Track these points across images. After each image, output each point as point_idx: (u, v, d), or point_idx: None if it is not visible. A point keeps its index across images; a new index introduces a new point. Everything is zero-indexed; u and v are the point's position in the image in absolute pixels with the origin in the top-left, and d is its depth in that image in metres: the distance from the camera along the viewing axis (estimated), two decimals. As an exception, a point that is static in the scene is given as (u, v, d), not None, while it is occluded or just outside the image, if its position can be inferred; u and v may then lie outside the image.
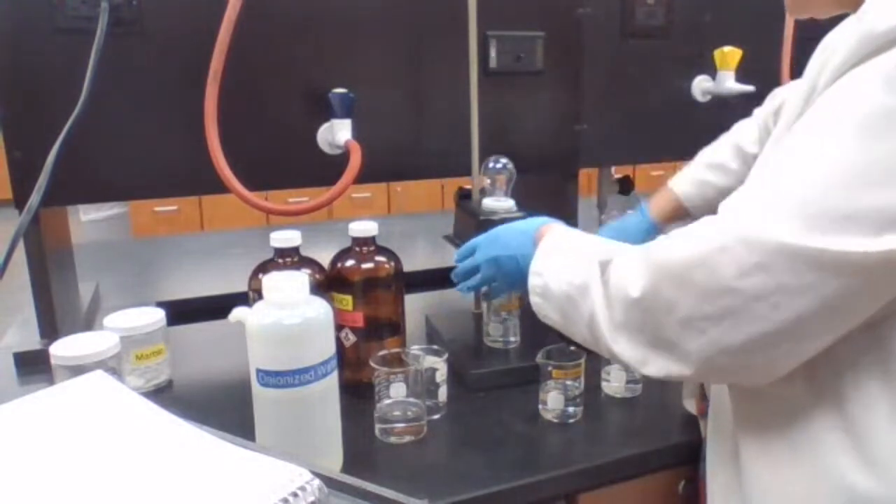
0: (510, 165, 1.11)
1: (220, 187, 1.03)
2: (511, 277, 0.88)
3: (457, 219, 1.19)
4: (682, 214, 1.11)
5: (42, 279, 1.08)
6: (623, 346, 0.67)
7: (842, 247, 0.53)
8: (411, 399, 0.96)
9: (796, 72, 1.33)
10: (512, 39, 1.23)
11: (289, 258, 1.02)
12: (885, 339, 0.59)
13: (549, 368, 0.99)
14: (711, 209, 0.64)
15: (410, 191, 3.87)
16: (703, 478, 0.82)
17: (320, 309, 0.80)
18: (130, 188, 1.13)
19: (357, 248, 1.04)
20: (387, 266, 1.04)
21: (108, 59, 0.98)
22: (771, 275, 0.56)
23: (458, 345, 1.17)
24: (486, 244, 0.93)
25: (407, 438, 0.95)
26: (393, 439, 0.95)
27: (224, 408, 0.97)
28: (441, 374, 1.00)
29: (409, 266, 1.10)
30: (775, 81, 1.35)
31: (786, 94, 1.00)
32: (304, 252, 1.04)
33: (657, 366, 0.65)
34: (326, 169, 1.11)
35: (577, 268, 0.73)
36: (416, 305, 1.29)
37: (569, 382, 0.99)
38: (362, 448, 0.93)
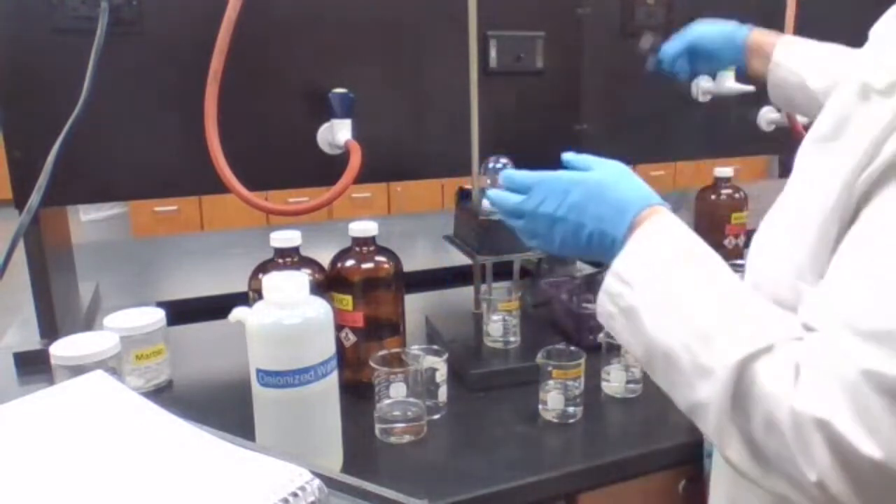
0: (510, 165, 1.11)
1: (220, 187, 1.03)
2: (570, 250, 0.73)
3: (457, 219, 1.19)
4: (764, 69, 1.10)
5: (42, 279, 1.08)
6: (737, 456, 0.57)
7: None
8: (411, 399, 0.96)
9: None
10: (512, 39, 1.23)
11: (289, 258, 1.02)
12: None
13: (549, 368, 0.99)
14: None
15: (410, 191, 3.87)
16: (707, 475, 0.82)
17: (320, 309, 0.80)
18: (130, 188, 1.13)
19: (357, 248, 1.04)
20: (387, 266, 1.04)
21: (108, 59, 0.98)
22: None
23: (458, 345, 1.17)
24: (556, 194, 0.72)
25: (407, 438, 0.95)
26: (393, 439, 0.95)
27: (224, 408, 0.96)
28: (441, 374, 1.00)
29: (409, 266, 1.10)
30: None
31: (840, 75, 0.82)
32: (304, 252, 1.04)
33: (771, 483, 0.55)
34: (326, 169, 1.11)
35: (694, 326, 0.59)
36: (416, 305, 1.29)
37: (569, 382, 0.99)
38: (362, 448, 0.93)
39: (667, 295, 0.62)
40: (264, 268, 1.03)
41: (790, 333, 0.55)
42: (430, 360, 0.99)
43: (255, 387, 0.80)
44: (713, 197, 1.54)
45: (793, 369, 0.53)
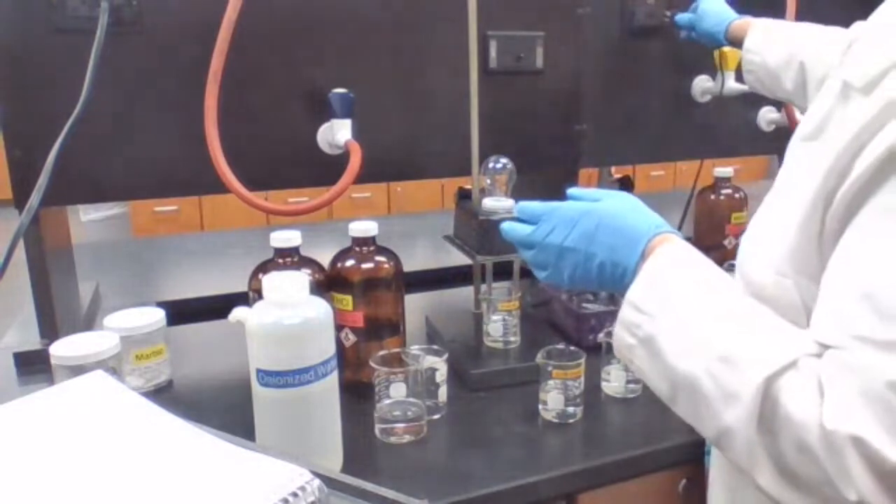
0: (510, 165, 1.11)
1: (220, 187, 1.03)
2: (580, 281, 0.71)
3: (457, 219, 1.19)
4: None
5: (42, 279, 1.08)
6: (769, 481, 0.55)
7: None
8: (411, 399, 0.96)
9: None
10: (512, 39, 1.23)
11: (289, 258, 1.02)
12: None
13: (549, 368, 0.99)
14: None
15: (410, 191, 3.86)
16: (708, 472, 0.81)
17: (320, 309, 0.80)
18: (130, 188, 1.13)
19: (357, 248, 1.04)
20: (387, 266, 1.04)
21: (108, 59, 0.98)
22: None
23: (458, 345, 1.17)
24: (565, 224, 0.70)
25: (407, 438, 0.95)
26: (393, 439, 0.95)
27: (224, 408, 0.97)
28: (441, 374, 1.00)
29: (409, 266, 1.10)
30: (775, 81, 1.34)
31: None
32: (304, 252, 1.04)
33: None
34: (326, 169, 1.11)
35: (715, 350, 0.57)
36: (416, 305, 1.29)
37: (569, 382, 0.99)
38: (362, 448, 0.93)
39: (685, 322, 0.60)
40: (264, 268, 1.03)
41: (807, 349, 0.54)
42: (430, 360, 0.99)
43: (255, 387, 0.80)
44: (713, 197, 1.54)
45: (816, 387, 0.52)
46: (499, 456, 0.92)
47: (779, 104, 1.42)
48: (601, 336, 1.09)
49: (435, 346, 1.03)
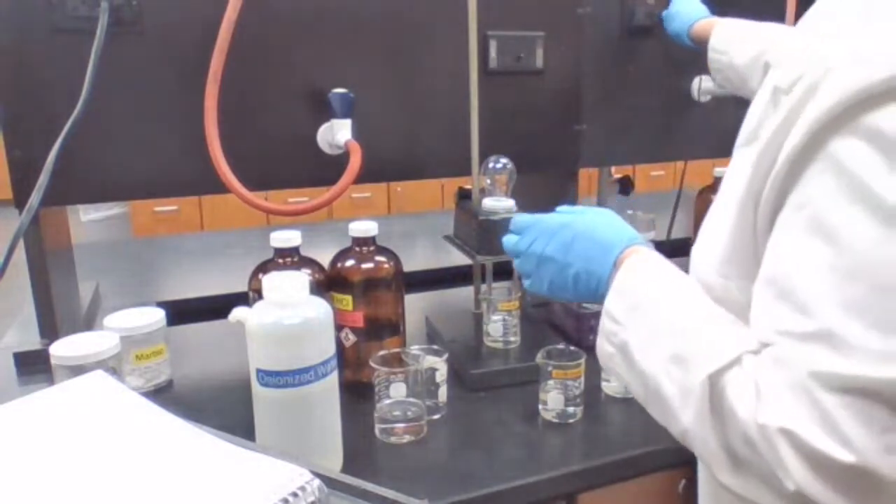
0: (510, 165, 1.11)
1: (220, 187, 1.03)
2: (558, 290, 0.75)
3: (457, 219, 1.19)
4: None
5: (42, 279, 1.08)
6: (727, 476, 0.56)
7: None
8: (411, 399, 0.96)
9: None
10: (512, 39, 1.23)
11: (289, 258, 1.02)
12: None
13: (549, 368, 0.99)
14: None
15: (410, 191, 3.86)
16: None
17: (320, 309, 0.80)
18: (130, 188, 1.13)
19: (357, 248, 1.04)
20: (387, 266, 1.04)
21: (108, 59, 0.98)
22: None
23: (458, 345, 1.17)
24: (546, 234, 0.76)
25: (407, 438, 0.95)
26: (393, 439, 0.95)
27: (224, 408, 0.97)
28: (441, 374, 1.00)
29: (409, 266, 1.10)
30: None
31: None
32: (304, 252, 1.04)
33: (761, 498, 0.55)
34: (326, 169, 1.11)
35: (672, 351, 0.60)
36: (416, 305, 1.29)
37: (569, 382, 0.99)
38: (362, 448, 0.93)
39: (649, 327, 0.64)
40: (264, 268, 1.03)
41: (750, 346, 0.56)
42: (430, 360, 0.99)
43: (255, 387, 0.80)
44: (713, 197, 1.53)
45: (753, 383, 0.54)
46: (499, 456, 0.92)
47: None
48: (601, 336, 1.09)
49: (435, 346, 1.03)
